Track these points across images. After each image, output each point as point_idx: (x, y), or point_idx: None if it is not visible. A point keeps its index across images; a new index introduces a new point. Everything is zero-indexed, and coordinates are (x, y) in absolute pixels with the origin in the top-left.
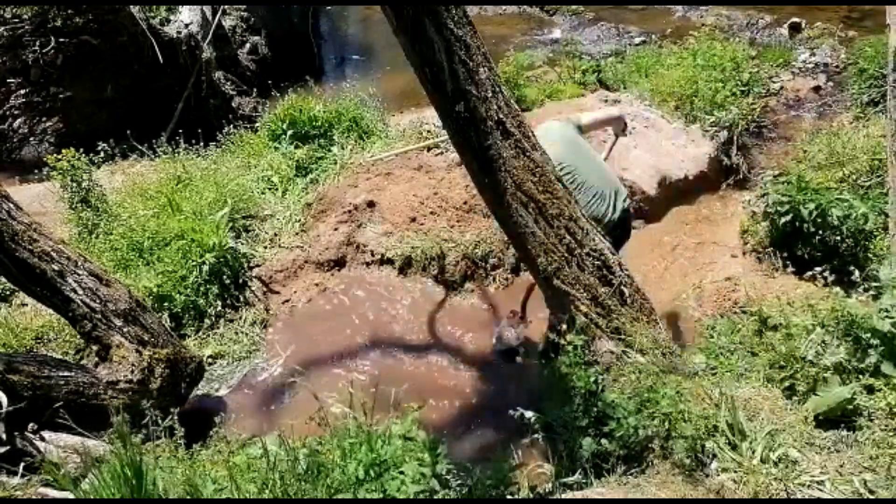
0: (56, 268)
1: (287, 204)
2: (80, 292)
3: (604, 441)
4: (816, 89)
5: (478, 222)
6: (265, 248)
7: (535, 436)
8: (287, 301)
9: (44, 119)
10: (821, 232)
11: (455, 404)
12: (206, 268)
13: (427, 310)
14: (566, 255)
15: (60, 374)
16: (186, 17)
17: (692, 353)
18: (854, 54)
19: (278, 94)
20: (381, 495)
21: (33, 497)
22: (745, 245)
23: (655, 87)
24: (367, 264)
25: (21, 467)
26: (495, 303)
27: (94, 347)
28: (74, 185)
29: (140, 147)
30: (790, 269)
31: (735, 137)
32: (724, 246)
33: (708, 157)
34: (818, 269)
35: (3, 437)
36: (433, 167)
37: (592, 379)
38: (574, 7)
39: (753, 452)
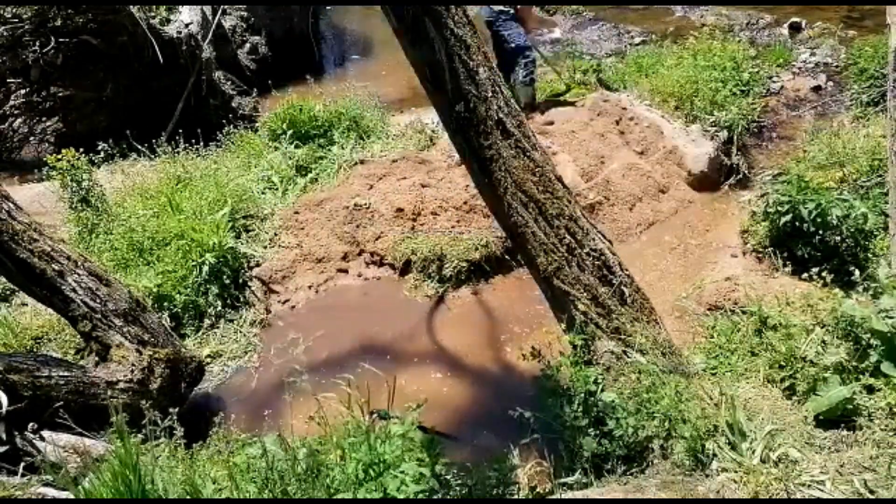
0: (56, 268)
1: (287, 203)
2: (80, 292)
3: (604, 441)
4: (816, 89)
5: (478, 222)
6: (265, 248)
7: (535, 436)
8: (287, 301)
9: (44, 119)
10: (821, 232)
11: (455, 404)
12: (206, 268)
13: (426, 310)
14: (566, 254)
15: (60, 373)
16: (186, 17)
17: (692, 353)
18: (854, 54)
19: (278, 94)
20: (381, 495)
21: (33, 497)
22: (745, 245)
23: (655, 87)
24: (367, 264)
25: (21, 467)
26: (494, 303)
27: (94, 347)
28: (74, 185)
29: (140, 147)
30: (790, 268)
31: (735, 137)
32: (724, 246)
33: (708, 157)
34: (818, 268)
35: (3, 436)
36: (433, 167)
37: (592, 379)
38: (574, 7)
39: (753, 452)
